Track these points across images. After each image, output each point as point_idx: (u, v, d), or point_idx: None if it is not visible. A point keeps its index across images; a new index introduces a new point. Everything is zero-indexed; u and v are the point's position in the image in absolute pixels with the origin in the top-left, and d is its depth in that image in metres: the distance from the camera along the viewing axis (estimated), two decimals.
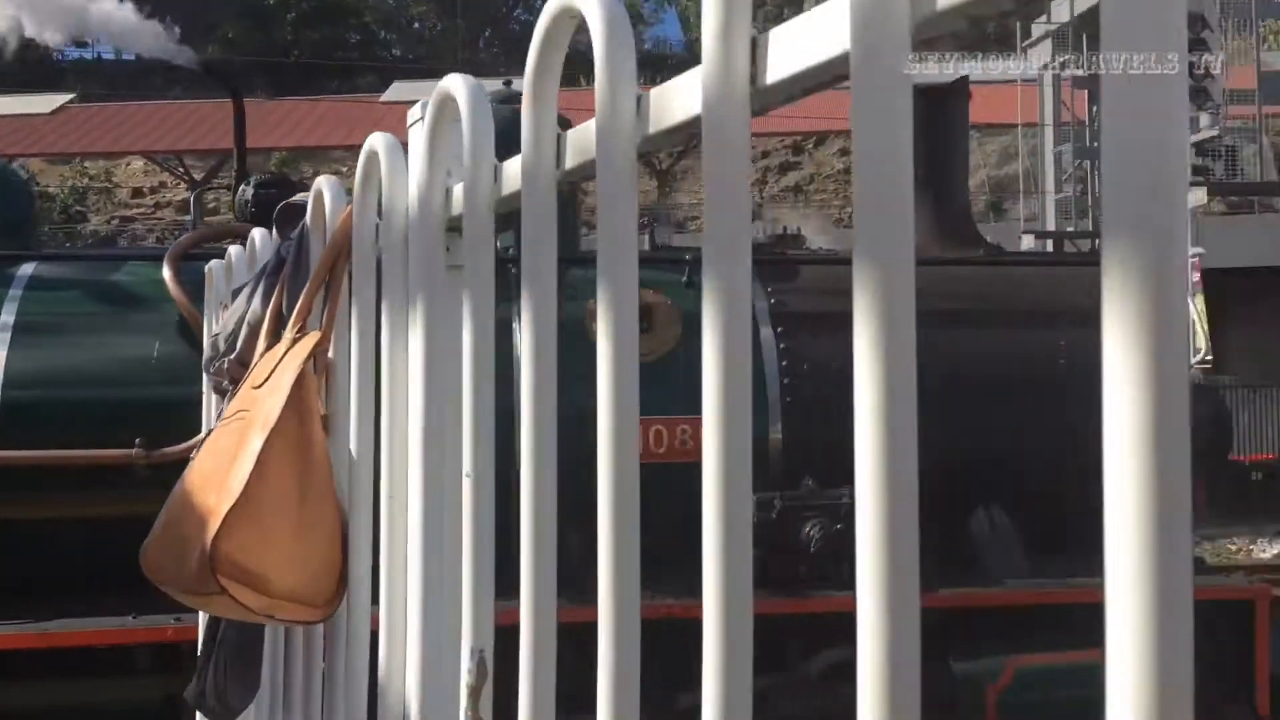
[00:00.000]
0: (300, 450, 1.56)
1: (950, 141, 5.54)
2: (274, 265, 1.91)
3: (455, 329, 1.33)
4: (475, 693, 1.13)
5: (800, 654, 4.17)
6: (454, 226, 1.35)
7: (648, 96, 0.91)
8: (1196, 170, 13.83)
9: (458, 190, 1.32)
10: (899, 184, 0.62)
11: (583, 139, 1.02)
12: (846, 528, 4.19)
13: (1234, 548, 14.00)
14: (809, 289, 4.61)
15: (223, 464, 1.60)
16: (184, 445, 3.82)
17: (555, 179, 1.05)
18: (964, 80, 5.63)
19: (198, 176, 28.25)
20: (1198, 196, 13.69)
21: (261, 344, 1.83)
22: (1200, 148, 13.86)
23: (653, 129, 0.90)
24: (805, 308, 4.51)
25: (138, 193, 33.03)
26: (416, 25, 40.64)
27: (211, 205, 29.76)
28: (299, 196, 2.04)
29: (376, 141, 1.52)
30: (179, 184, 30.64)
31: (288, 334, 1.70)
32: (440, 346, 1.32)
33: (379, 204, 1.56)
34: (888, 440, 0.63)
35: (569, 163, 1.04)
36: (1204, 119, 13.91)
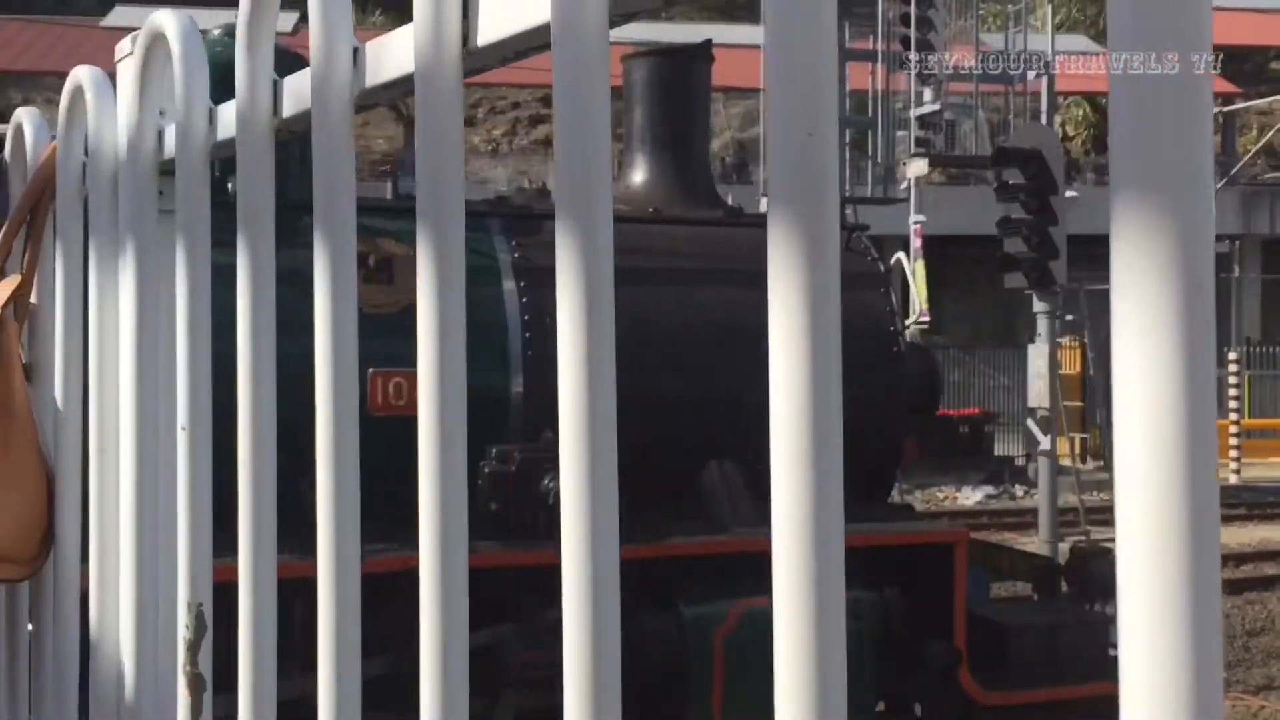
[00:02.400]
0: (2, 403, 1.47)
1: (692, 103, 5.68)
2: None
3: (169, 275, 1.29)
4: (194, 647, 1.11)
5: (537, 604, 4.24)
6: (167, 170, 1.31)
7: (364, 49, 0.91)
8: (919, 142, 14.74)
9: (170, 131, 1.27)
10: (597, 151, 0.65)
11: (300, 87, 1.00)
12: None
13: (942, 495, 15.17)
14: (552, 244, 4.65)
15: None
16: None
17: (272, 126, 1.04)
18: (707, 43, 5.77)
19: None
20: (919, 167, 14.59)
21: None
22: (923, 121, 14.77)
23: (369, 82, 0.90)
24: (550, 262, 4.55)
25: None
26: None
27: None
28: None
29: (82, 75, 1.43)
30: None
31: None
32: (152, 294, 1.27)
33: (85, 142, 1.48)
34: (588, 397, 0.67)
35: (287, 110, 1.02)
36: (927, 94, 14.82)
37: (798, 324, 0.55)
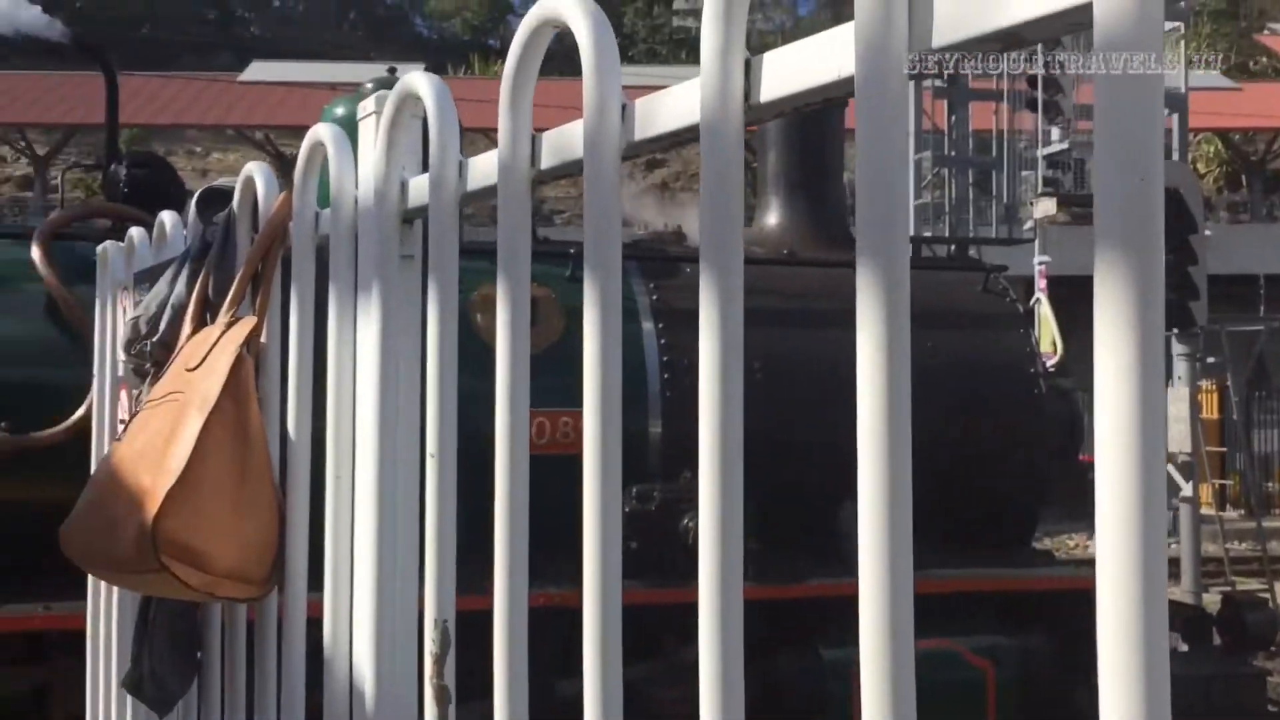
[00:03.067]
0: (238, 432, 1.59)
1: (828, 147, 5.74)
2: (198, 250, 1.92)
3: (410, 315, 1.39)
4: (439, 660, 1.19)
5: (677, 643, 4.28)
6: (406, 218, 1.41)
7: (633, 105, 0.99)
8: (1047, 182, 14.52)
9: (413, 183, 1.38)
10: (898, 195, 0.71)
11: (562, 140, 1.09)
12: None
13: (1072, 543, 14.78)
14: (691, 285, 4.72)
15: (156, 444, 1.62)
16: (55, 430, 3.72)
17: (530, 177, 1.12)
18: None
19: (40, 151, 27.00)
20: (1047, 207, 14.37)
21: (187, 327, 1.84)
22: (1051, 160, 14.56)
23: (639, 135, 0.98)
24: (686, 304, 4.63)
25: None
26: (277, 4, 39.62)
27: (54, 181, 28.43)
28: (223, 181, 2.05)
29: (323, 132, 1.55)
30: (19, 158, 29.24)
31: (221, 318, 1.72)
32: (395, 332, 1.37)
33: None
34: (722, 436, 0.74)
35: (545, 162, 1.11)
36: (1054, 133, 14.61)
37: (1127, 362, 0.60)
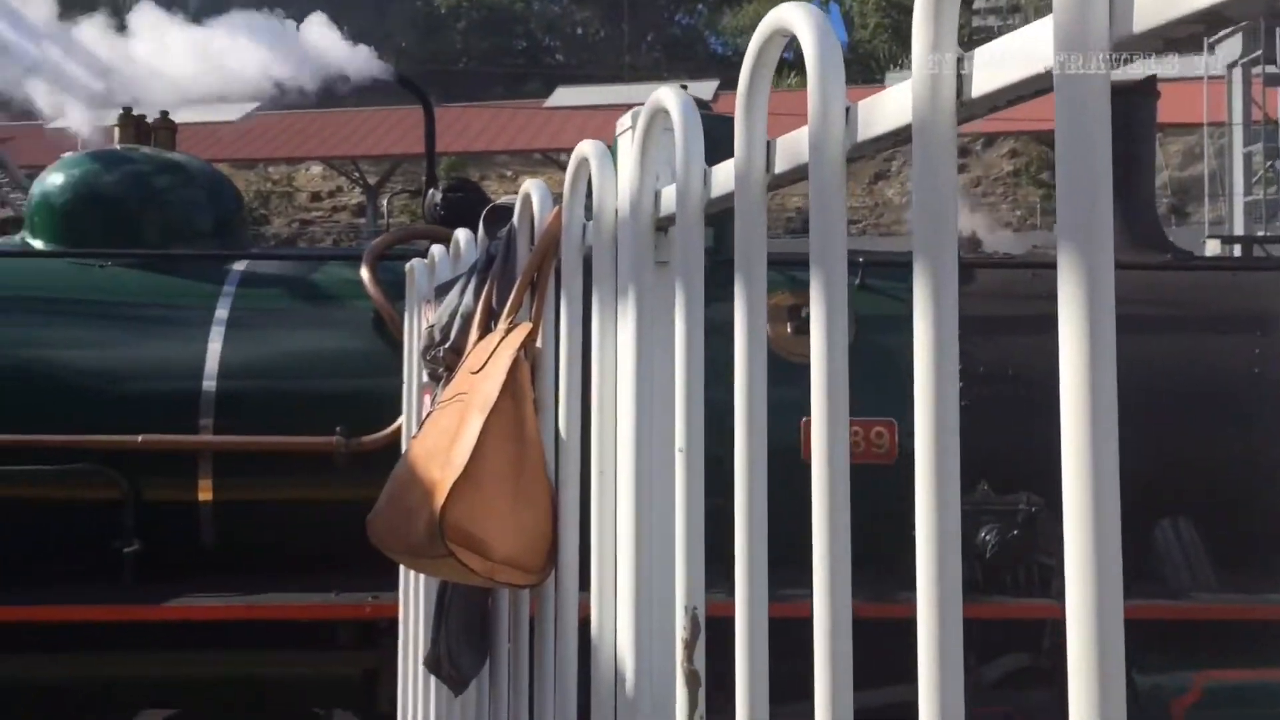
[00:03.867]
0: (515, 429, 1.72)
1: (1138, 142, 5.42)
2: (484, 262, 2.08)
3: (664, 317, 1.47)
4: (689, 646, 1.25)
5: (975, 659, 4.17)
6: (660, 226, 1.49)
7: (856, 106, 1.02)
8: None
9: (666, 192, 1.45)
10: (1100, 194, 0.71)
11: (792, 145, 1.13)
12: (1023, 534, 4.18)
13: None
14: (984, 292, 4.58)
15: (444, 441, 1.78)
16: (380, 435, 4.08)
17: (765, 182, 1.17)
18: (1153, 79, 5.50)
19: (371, 181, 29.43)
20: None
21: (474, 334, 2.01)
22: None
23: (861, 137, 1.01)
24: (980, 311, 4.49)
25: (315, 197, 34.63)
26: (579, 31, 41.35)
27: (383, 207, 30.89)
28: (505, 199, 2.21)
29: (587, 148, 1.66)
30: (354, 188, 32.01)
31: (501, 325, 1.87)
32: (650, 333, 1.45)
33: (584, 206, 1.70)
34: (1092, 446, 0.71)
35: (778, 167, 1.15)
36: None
37: None
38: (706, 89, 27.86)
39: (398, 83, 5.76)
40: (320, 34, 5.48)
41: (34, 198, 4.80)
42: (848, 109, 1.02)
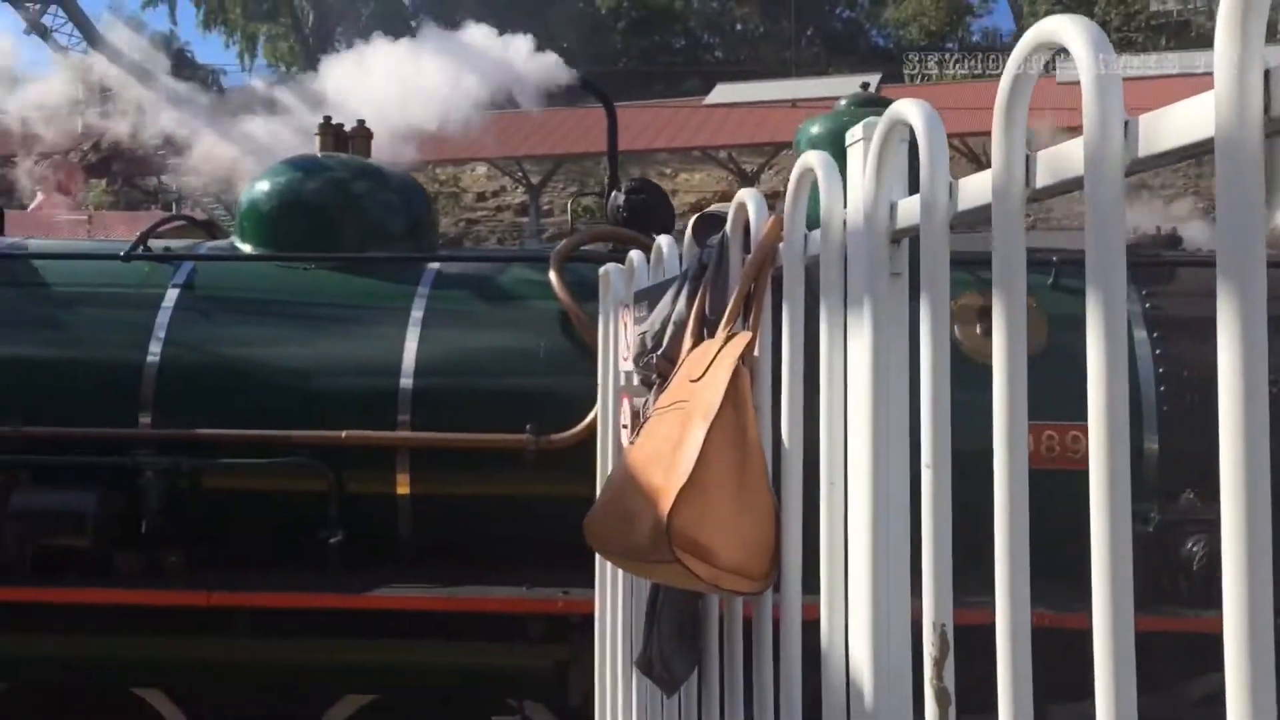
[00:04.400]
0: (738, 437, 1.73)
1: None
2: (695, 270, 2.10)
3: (899, 330, 1.46)
4: (939, 663, 1.25)
5: (1179, 675, 4.00)
6: (894, 238, 1.48)
7: (1136, 122, 1.00)
8: None
9: (902, 204, 1.44)
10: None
11: (1058, 159, 1.11)
12: None
13: None
14: (1187, 292, 4.38)
15: (666, 447, 1.80)
16: (569, 433, 4.16)
17: (1024, 196, 1.15)
18: None
19: (534, 180, 29.99)
20: None
21: (688, 342, 2.03)
22: None
23: (1143, 152, 0.99)
24: (1184, 312, 4.29)
25: (480, 197, 35.48)
26: (739, 28, 41.21)
27: (546, 208, 31.44)
28: (716, 207, 2.23)
29: (813, 159, 1.66)
30: (517, 187, 32.67)
31: (720, 332, 1.88)
32: (886, 346, 1.45)
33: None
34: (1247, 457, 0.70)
35: (1040, 181, 1.14)
36: None
37: None
38: (868, 83, 27.38)
39: (581, 86, 5.88)
40: (513, 45, 5.66)
41: (242, 204, 5.08)
42: (1126, 123, 1.00)
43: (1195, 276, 4.43)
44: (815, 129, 4.28)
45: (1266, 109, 0.84)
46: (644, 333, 2.21)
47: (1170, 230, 4.92)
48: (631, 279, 2.83)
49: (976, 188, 1.25)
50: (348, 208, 4.92)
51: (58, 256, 5.04)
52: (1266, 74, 0.84)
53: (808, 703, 1.70)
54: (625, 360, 2.87)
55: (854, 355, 1.52)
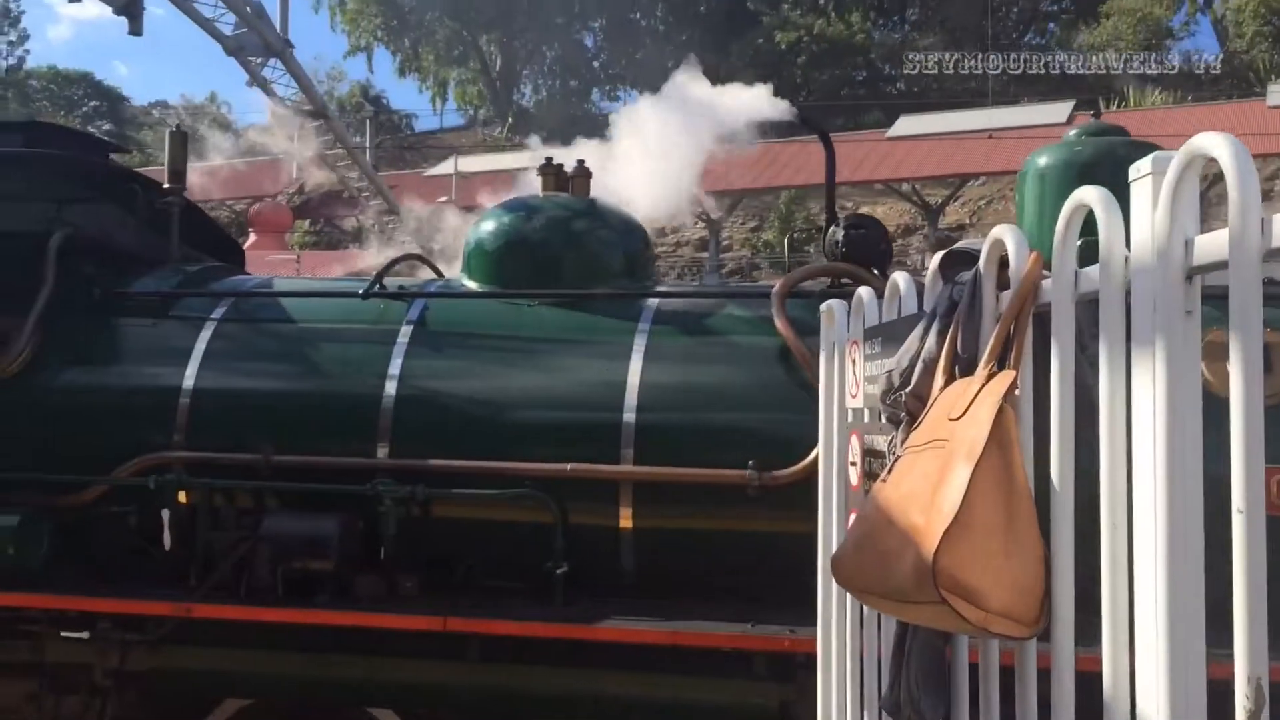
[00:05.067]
0: (1004, 478, 1.70)
1: None
2: (945, 308, 2.08)
3: (1192, 370, 1.41)
4: (1254, 717, 1.19)
5: None
6: (1188, 275, 1.43)
7: None
8: None
9: (1199, 240, 1.39)
10: None
11: None
12: None
13: None
14: None
15: (924, 487, 1.78)
16: (793, 470, 4.14)
17: None
18: None
19: (714, 216, 30.17)
20: None
21: (939, 380, 2.01)
22: None
23: None
24: None
25: (660, 232, 35.90)
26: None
27: (725, 242, 31.55)
28: (964, 243, 2.21)
29: (1089, 194, 1.62)
30: (697, 223, 32.94)
31: (980, 371, 1.85)
32: (1181, 386, 1.40)
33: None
34: None
35: None
36: None
37: None
38: (1061, 111, 26.60)
39: (800, 121, 5.92)
40: (735, 90, 5.77)
41: (469, 243, 5.30)
42: None
43: None
44: (1043, 160, 4.18)
45: None
46: (891, 370, 2.20)
47: None
48: (860, 315, 2.82)
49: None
50: (569, 245, 5.06)
51: (303, 295, 5.34)
52: None
53: None
54: (853, 397, 2.85)
55: (1140, 395, 1.47)
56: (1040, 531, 1.71)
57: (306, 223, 31.69)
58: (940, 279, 2.23)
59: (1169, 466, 1.39)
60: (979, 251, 2.02)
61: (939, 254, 2.27)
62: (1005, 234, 1.93)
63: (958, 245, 2.26)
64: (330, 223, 31.74)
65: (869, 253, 4.40)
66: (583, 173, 5.32)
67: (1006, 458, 1.72)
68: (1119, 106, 26.27)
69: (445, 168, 28.80)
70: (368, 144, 30.73)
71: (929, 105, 31.33)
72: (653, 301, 4.83)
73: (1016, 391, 1.82)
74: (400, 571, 4.36)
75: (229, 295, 5.22)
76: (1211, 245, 1.35)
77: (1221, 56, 31.39)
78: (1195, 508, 1.38)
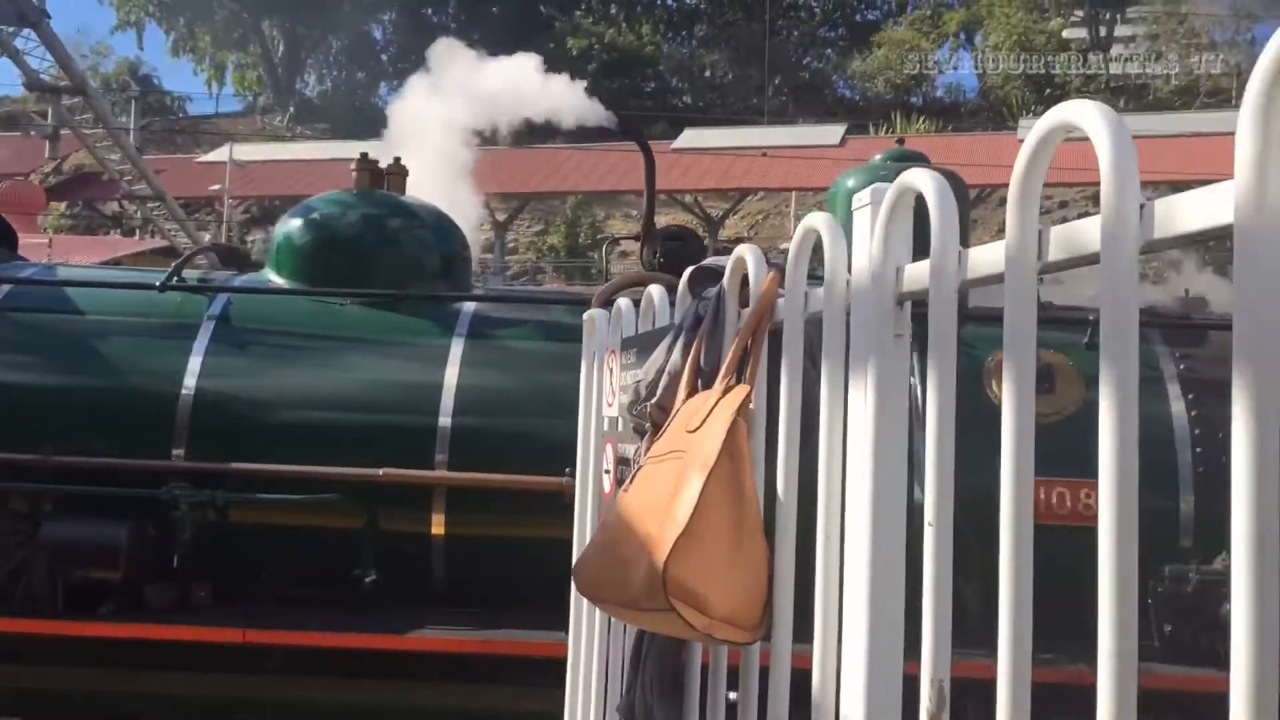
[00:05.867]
0: (734, 489, 1.76)
1: None
2: (691, 322, 2.14)
3: (899, 390, 1.50)
4: (934, 718, 1.28)
5: None
6: (898, 300, 1.52)
7: (1151, 206, 1.05)
8: None
9: (909, 269, 1.49)
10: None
11: (1068, 236, 1.16)
12: None
13: None
14: (1220, 355, 4.45)
15: (661, 497, 1.83)
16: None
17: (1036, 269, 1.20)
18: None
19: (500, 218, 30.04)
20: None
21: (682, 392, 2.06)
22: None
23: (1157, 234, 1.03)
24: (1218, 374, 4.37)
25: None
26: (708, 74, 41.68)
27: (511, 245, 31.42)
28: (711, 261, 2.27)
29: (818, 221, 1.71)
30: (483, 224, 32.76)
31: (718, 384, 1.92)
32: (888, 405, 1.48)
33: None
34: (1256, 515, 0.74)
35: (1051, 255, 1.18)
36: None
37: None
38: (834, 133, 27.80)
39: (622, 132, 5.98)
40: (563, 84, 5.81)
41: (277, 237, 5.12)
42: (1141, 207, 1.05)
43: (1228, 340, 4.53)
44: (851, 181, 4.39)
45: None
46: (639, 381, 2.24)
47: (1198, 294, 4.97)
48: (619, 325, 2.87)
49: (987, 258, 1.30)
50: (384, 244, 4.96)
51: (93, 285, 5.02)
52: None
53: None
54: (609, 405, 2.89)
55: (855, 412, 1.55)
56: (767, 540, 1.78)
57: (64, 205, 29.73)
58: (689, 294, 2.30)
59: (874, 481, 1.47)
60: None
61: (689, 270, 2.34)
62: (746, 252, 2.00)
63: (706, 261, 2.33)
64: (89, 206, 29.90)
65: (687, 264, 4.50)
66: (399, 169, 5.24)
67: (737, 469, 1.78)
68: (886, 132, 27.68)
69: (220, 154, 27.62)
70: (132, 124, 29.09)
71: (712, 120, 32.17)
72: (470, 305, 4.79)
73: (751, 405, 1.89)
74: (194, 580, 4.16)
75: (5, 282, 4.86)
76: (917, 274, 1.44)
77: (980, 91, 33.53)
78: (898, 520, 1.47)
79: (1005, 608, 1.16)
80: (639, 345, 2.59)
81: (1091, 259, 1.10)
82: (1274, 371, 0.87)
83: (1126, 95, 29.17)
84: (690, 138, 29.80)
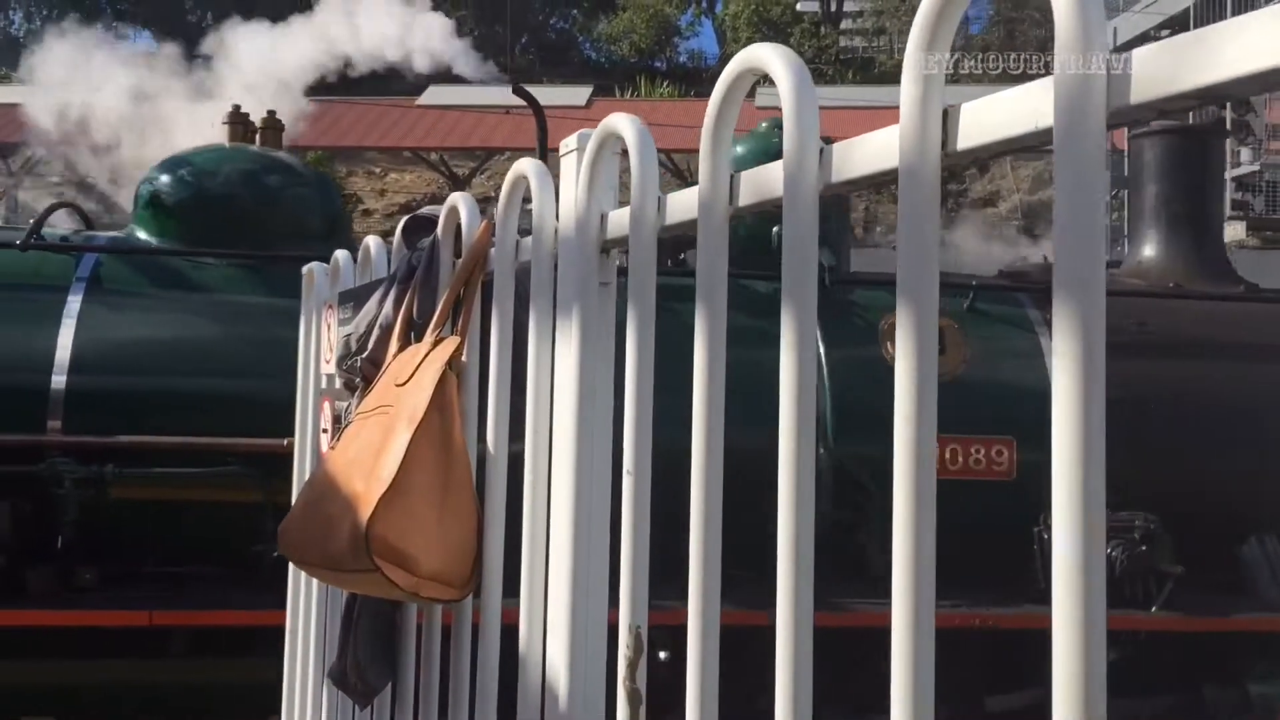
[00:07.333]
0: (443, 443, 1.71)
1: (1209, 181, 5.84)
2: (404, 273, 2.06)
3: (606, 338, 1.48)
4: (633, 665, 1.27)
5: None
6: (604, 248, 1.51)
7: (831, 149, 1.06)
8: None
9: (613, 216, 1.47)
10: (1096, 243, 0.76)
11: (758, 179, 1.16)
12: (1149, 550, 4.43)
13: None
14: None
15: (367, 453, 1.75)
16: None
17: (728, 214, 1.20)
18: (1221, 121, 5.98)
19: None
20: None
21: (394, 345, 1.98)
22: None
23: (835, 178, 1.05)
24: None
25: None
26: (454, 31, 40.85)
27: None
28: (427, 210, 2.19)
29: (526, 167, 1.67)
30: None
31: (428, 337, 1.85)
32: (593, 354, 1.47)
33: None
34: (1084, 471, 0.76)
35: (743, 200, 1.19)
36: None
37: None
38: (580, 94, 27.85)
39: (515, 93, 5.91)
40: (433, 21, 5.66)
41: (143, 194, 4.71)
42: (821, 150, 1.06)
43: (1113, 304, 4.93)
44: (740, 149, 4.45)
45: (944, 145, 0.91)
46: (349, 335, 2.15)
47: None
48: (337, 279, 2.75)
49: (684, 203, 1.29)
50: (263, 201, 4.65)
51: None
52: (945, 112, 0.91)
53: (508, 711, 1.69)
54: (327, 363, 2.77)
55: (561, 361, 1.53)
56: (476, 495, 1.74)
57: None
58: (404, 244, 2.22)
59: (578, 430, 1.45)
60: None
61: (404, 219, 2.25)
62: (459, 201, 1.94)
63: (421, 210, 2.24)
64: None
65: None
66: (274, 124, 4.91)
67: (446, 423, 1.73)
68: (632, 95, 27.99)
69: None
70: None
71: (457, 78, 31.61)
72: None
73: (464, 358, 1.84)
74: (79, 563, 3.78)
75: None
76: (619, 220, 1.42)
77: (720, 57, 34.39)
78: (603, 471, 1.46)
79: (785, 556, 1.10)
80: (355, 299, 2.49)
81: (777, 201, 1.10)
82: (928, 298, 0.89)
83: (854, 68, 30.58)
84: (435, 95, 29.19)
